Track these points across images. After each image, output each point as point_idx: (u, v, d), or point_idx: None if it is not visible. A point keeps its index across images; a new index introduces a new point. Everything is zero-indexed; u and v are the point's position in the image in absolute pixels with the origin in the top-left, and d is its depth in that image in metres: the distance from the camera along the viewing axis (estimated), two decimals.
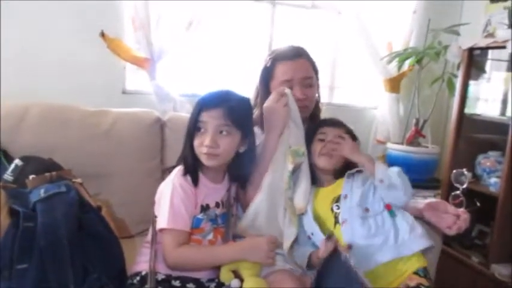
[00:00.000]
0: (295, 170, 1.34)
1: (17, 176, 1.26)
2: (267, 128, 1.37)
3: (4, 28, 1.89)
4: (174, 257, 1.17)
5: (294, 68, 1.44)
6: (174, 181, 1.22)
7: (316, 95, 1.54)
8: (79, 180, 1.27)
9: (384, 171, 1.32)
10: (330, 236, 1.24)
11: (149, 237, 1.27)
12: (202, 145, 1.21)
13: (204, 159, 1.23)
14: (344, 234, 1.31)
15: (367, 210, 1.33)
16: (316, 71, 1.51)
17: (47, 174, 1.21)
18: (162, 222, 1.19)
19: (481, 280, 1.94)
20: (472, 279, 1.97)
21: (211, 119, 1.20)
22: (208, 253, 1.22)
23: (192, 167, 1.24)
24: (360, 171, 1.41)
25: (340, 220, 1.33)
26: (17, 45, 1.93)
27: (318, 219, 1.38)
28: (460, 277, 2.02)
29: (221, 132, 1.22)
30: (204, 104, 1.22)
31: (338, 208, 1.35)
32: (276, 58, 1.47)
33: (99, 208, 1.26)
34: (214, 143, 1.20)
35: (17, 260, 1.00)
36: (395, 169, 1.32)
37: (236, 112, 1.23)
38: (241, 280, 1.17)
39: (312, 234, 1.37)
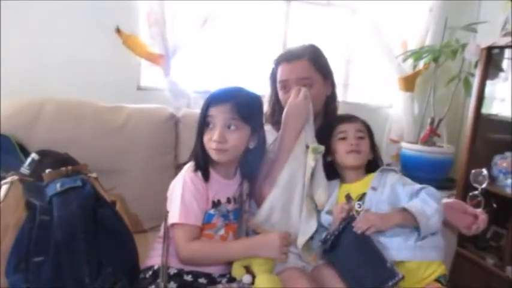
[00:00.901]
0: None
1: (33, 170, 1.28)
2: (287, 125, 1.38)
3: (20, 25, 1.91)
4: (186, 251, 1.18)
5: (290, 69, 1.47)
6: (185, 176, 1.23)
7: (327, 95, 1.54)
8: (94, 174, 1.29)
9: (427, 226, 1.22)
10: (349, 197, 1.27)
11: (162, 232, 1.28)
12: (211, 140, 1.22)
13: (213, 155, 1.23)
14: None
15: None
16: (322, 71, 1.50)
17: (63, 168, 1.22)
18: (173, 217, 1.20)
19: (495, 282, 1.91)
20: (487, 281, 1.95)
21: (219, 114, 1.21)
22: (220, 248, 1.23)
23: (203, 163, 1.25)
24: (394, 170, 1.39)
25: (362, 210, 1.31)
26: (32, 41, 1.95)
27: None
28: (474, 279, 2.00)
29: (229, 127, 1.22)
30: (213, 99, 1.23)
31: (360, 207, 1.33)
32: (278, 60, 1.52)
33: (114, 203, 1.27)
34: (222, 138, 1.20)
35: (33, 253, 1.01)
36: (433, 205, 1.24)
37: (244, 107, 1.23)
38: (253, 276, 1.18)
39: (329, 225, 1.36)
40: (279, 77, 1.50)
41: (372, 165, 1.44)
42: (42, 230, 1.03)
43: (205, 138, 1.23)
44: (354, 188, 1.38)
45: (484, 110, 2.12)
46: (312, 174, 1.32)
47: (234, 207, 1.32)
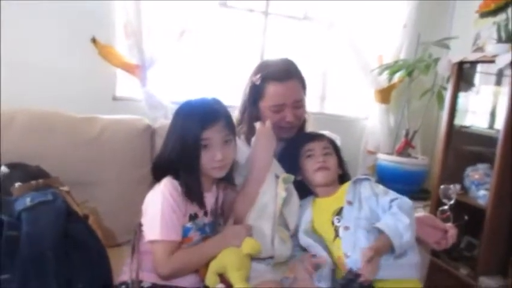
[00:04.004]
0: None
1: (2, 184, 1.24)
2: (258, 155, 1.36)
3: None
4: (168, 267, 1.16)
5: (286, 92, 1.41)
6: (164, 191, 1.20)
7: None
8: (66, 188, 1.26)
9: (400, 244, 1.20)
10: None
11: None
12: (212, 160, 1.21)
13: (214, 173, 1.25)
14: (344, 241, 1.28)
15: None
16: (305, 87, 1.49)
17: (33, 182, 1.20)
18: (153, 233, 1.17)
19: None
20: None
21: (215, 134, 1.21)
22: (198, 251, 1.22)
23: (197, 184, 1.24)
24: (367, 179, 1.38)
25: (342, 226, 1.30)
26: (6, 52, 1.91)
27: (315, 231, 1.37)
28: None
29: (226, 142, 1.24)
30: (206, 121, 1.20)
31: (339, 221, 1.32)
32: (267, 77, 1.42)
33: (86, 217, 1.25)
34: (224, 156, 1.22)
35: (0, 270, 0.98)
36: (405, 221, 1.21)
37: (231, 120, 1.27)
38: (227, 285, 1.16)
39: (308, 247, 1.36)
40: (271, 100, 1.41)
41: (343, 179, 1.44)
42: (9, 247, 1.00)
43: (205, 159, 1.21)
44: (329, 202, 1.38)
45: (457, 123, 2.17)
46: (284, 202, 1.32)
47: (210, 220, 1.31)
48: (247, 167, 1.38)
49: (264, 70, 1.45)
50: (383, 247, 1.20)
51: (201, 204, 1.25)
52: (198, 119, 1.20)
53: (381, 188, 1.37)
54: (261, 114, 1.45)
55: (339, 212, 1.33)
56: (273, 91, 1.41)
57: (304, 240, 1.36)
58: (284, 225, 1.36)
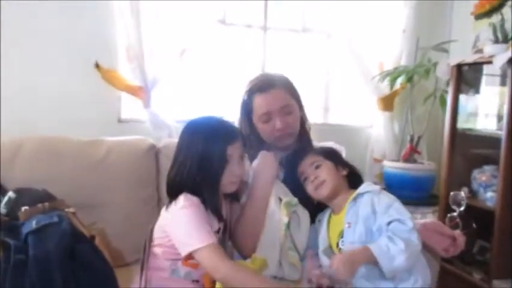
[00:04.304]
0: (290, 221, 1.33)
1: (10, 209, 1.27)
2: (259, 178, 1.37)
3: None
4: (227, 268, 1.11)
5: (269, 100, 1.43)
6: (186, 205, 1.18)
7: (300, 117, 1.52)
8: (72, 209, 1.29)
9: (390, 267, 1.15)
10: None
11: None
12: (232, 175, 1.24)
13: (230, 187, 1.27)
14: None
15: None
16: (295, 95, 1.51)
17: (40, 205, 1.23)
18: (192, 244, 1.13)
19: None
20: None
21: (236, 150, 1.25)
22: (257, 280, 1.13)
23: (216, 200, 1.25)
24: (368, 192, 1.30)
25: (344, 250, 1.25)
26: (14, 79, 1.98)
27: (330, 251, 1.32)
28: None
29: (241, 157, 1.27)
30: (230, 139, 1.24)
31: (343, 244, 1.27)
32: (251, 91, 1.47)
33: (93, 238, 1.27)
34: (241, 171, 1.27)
35: None
36: (400, 245, 1.15)
37: (245, 137, 1.33)
38: None
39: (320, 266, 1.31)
40: (258, 111, 1.45)
41: (352, 178, 1.39)
42: (17, 270, 1.03)
43: (225, 174, 1.23)
44: (337, 221, 1.32)
45: (461, 125, 2.15)
46: (289, 227, 1.31)
47: (218, 236, 1.31)
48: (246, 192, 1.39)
49: (249, 85, 1.49)
50: (360, 253, 1.17)
51: (220, 216, 1.25)
52: (223, 135, 1.24)
53: (384, 202, 1.27)
54: (255, 129, 1.48)
55: (342, 234, 1.28)
56: (257, 102, 1.45)
57: (323, 260, 1.30)
58: (295, 248, 1.34)
